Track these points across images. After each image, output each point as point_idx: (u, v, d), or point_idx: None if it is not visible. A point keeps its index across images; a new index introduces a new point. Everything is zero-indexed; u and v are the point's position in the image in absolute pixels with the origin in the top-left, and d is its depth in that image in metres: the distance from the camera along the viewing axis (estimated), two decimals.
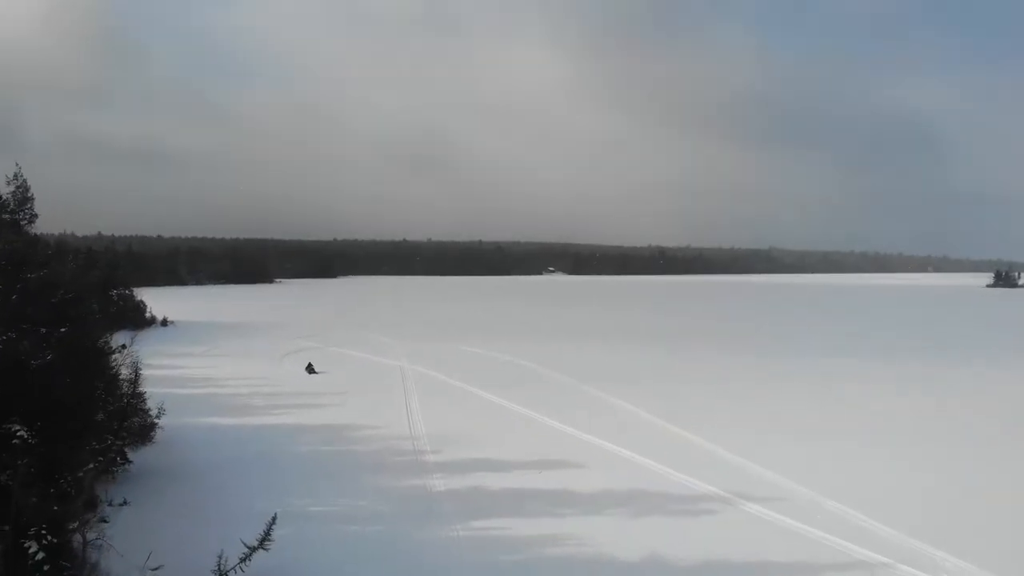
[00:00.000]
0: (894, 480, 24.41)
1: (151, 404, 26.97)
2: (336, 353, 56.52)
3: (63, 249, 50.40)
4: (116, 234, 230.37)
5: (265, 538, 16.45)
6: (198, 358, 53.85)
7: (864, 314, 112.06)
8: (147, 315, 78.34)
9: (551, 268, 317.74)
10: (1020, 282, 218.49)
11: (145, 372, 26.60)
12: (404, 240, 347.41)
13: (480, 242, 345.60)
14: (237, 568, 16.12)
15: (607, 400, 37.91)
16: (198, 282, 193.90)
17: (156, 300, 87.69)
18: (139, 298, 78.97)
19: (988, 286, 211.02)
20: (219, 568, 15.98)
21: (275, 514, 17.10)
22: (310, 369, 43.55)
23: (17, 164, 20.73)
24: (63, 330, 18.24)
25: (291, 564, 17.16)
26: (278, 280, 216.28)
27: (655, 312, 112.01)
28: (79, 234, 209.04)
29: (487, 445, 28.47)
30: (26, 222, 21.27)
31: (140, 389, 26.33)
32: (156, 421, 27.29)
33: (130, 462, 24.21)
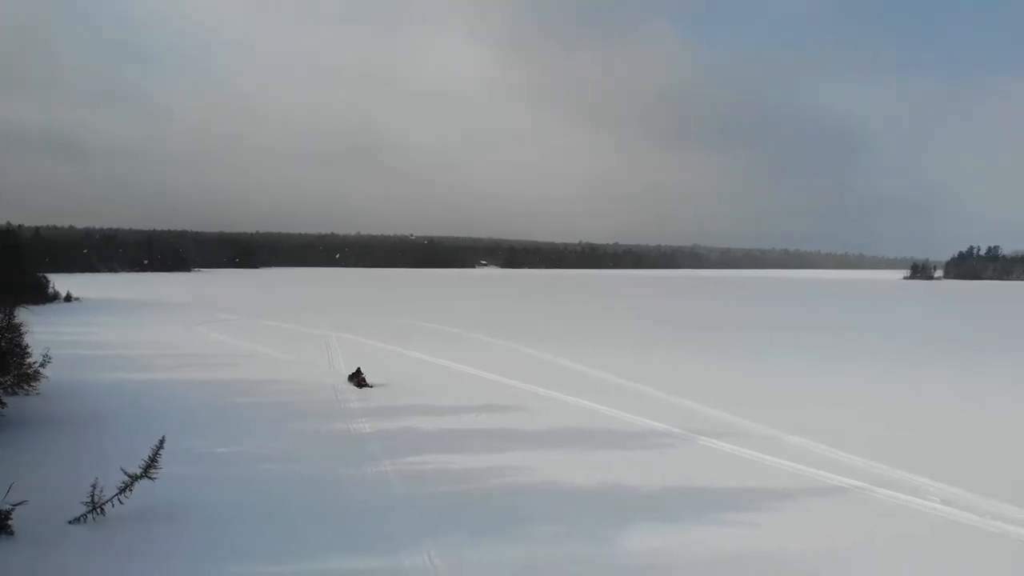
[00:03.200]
0: (851, 416, 23.51)
1: (39, 358, 24.37)
2: (256, 323, 53.10)
3: None
4: (25, 224, 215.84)
5: (150, 465, 13.85)
6: (105, 327, 49.56)
7: (782, 298, 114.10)
8: (49, 291, 72.10)
9: (484, 262, 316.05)
10: (936, 275, 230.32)
11: (42, 336, 23.47)
12: (331, 233, 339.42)
13: (411, 236, 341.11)
14: (116, 500, 13.46)
15: (542, 356, 36.49)
16: (112, 270, 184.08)
17: (64, 283, 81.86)
18: (43, 277, 73.15)
19: (905, 278, 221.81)
20: (92, 500, 13.27)
21: (163, 438, 14.51)
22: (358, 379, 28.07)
23: None
24: None
25: (194, 499, 14.72)
26: (197, 269, 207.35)
27: (587, 296, 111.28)
28: None
29: (416, 393, 26.48)
30: None
31: (23, 342, 23.76)
32: (40, 370, 24.26)
33: (3, 404, 20.91)
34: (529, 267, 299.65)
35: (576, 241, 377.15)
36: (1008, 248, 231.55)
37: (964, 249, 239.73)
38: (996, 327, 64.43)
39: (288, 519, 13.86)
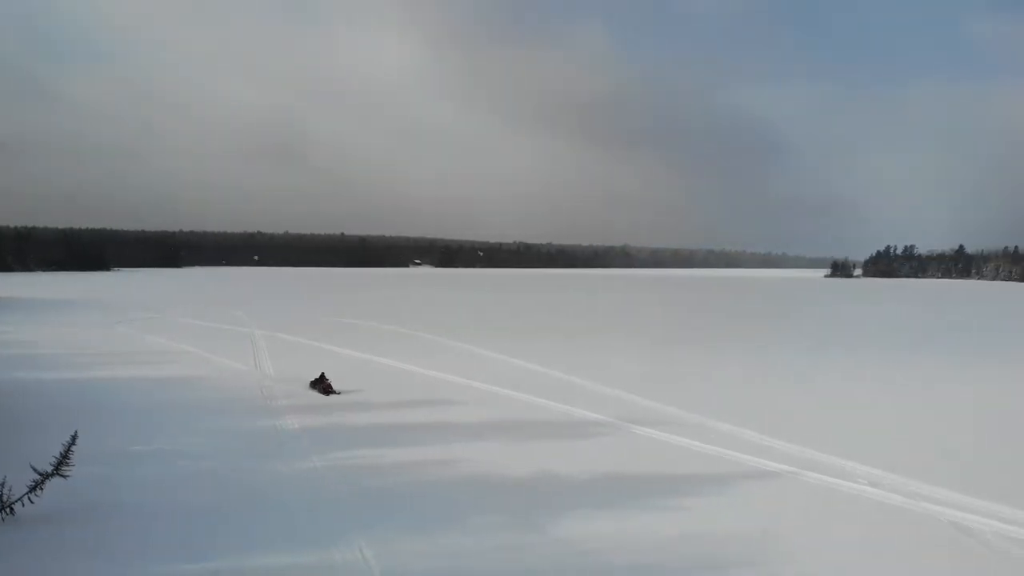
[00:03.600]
0: (782, 404, 24.05)
1: None
2: (178, 322, 51.18)
3: None
4: None
5: (62, 462, 13.02)
6: (16, 325, 47.04)
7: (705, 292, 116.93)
8: None
9: (417, 261, 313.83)
10: (855, 273, 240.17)
11: None
12: (258, 232, 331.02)
13: (342, 234, 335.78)
14: (26, 499, 12.65)
15: (471, 350, 36.27)
16: (26, 268, 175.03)
17: None
18: None
19: (826, 276, 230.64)
20: (0, 499, 12.44)
21: (75, 433, 13.69)
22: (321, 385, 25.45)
23: None
24: None
25: (112, 498, 14.00)
26: (117, 269, 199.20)
27: (522, 291, 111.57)
28: None
29: (346, 389, 25.62)
30: None
31: None
32: None
33: None
34: (463, 266, 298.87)
35: (511, 241, 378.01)
36: (923, 247, 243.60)
37: (881, 248, 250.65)
38: (911, 321, 67.31)
39: (212, 516, 13.23)
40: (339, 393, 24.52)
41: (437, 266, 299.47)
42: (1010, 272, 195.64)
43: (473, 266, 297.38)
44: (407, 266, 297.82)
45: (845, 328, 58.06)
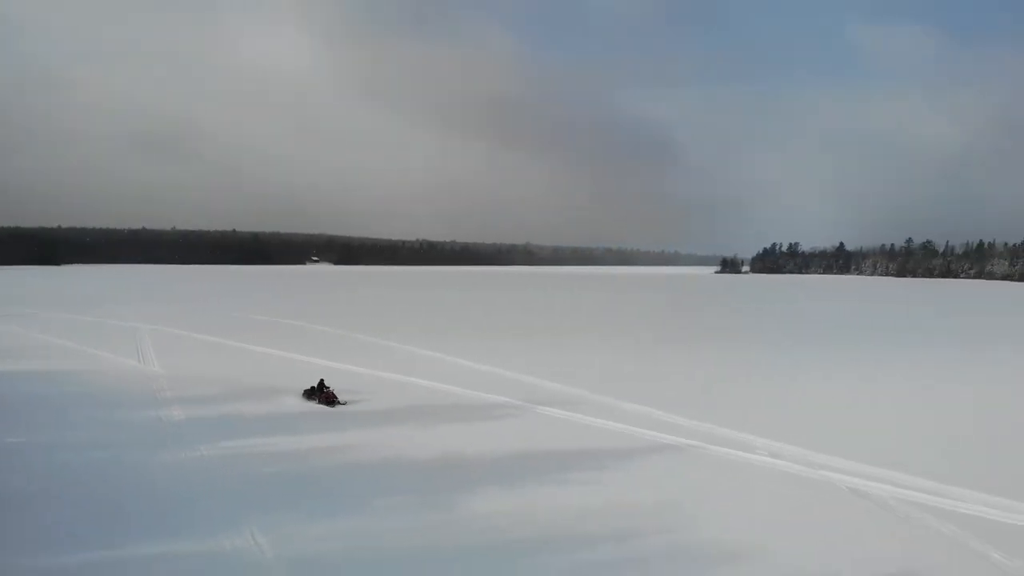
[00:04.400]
0: (680, 383, 24.54)
1: None
2: (59, 318, 47.61)
3: None
4: None
5: None
6: None
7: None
8: None
9: (315, 257, 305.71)
10: (743, 269, 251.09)
11: None
12: (143, 228, 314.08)
13: (234, 231, 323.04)
14: None
15: (376, 342, 35.34)
16: None
17: None
18: None
19: (716, 272, 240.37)
20: None
21: None
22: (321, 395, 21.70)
23: None
24: None
25: None
26: None
27: (422, 288, 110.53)
28: None
29: (237, 381, 24.43)
30: None
31: None
32: None
33: None
34: (365, 264, 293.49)
35: (414, 239, 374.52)
36: (806, 245, 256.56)
37: (768, 246, 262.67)
38: (801, 310, 70.72)
39: (99, 506, 12.24)
40: (345, 403, 20.76)
41: (336, 263, 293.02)
42: (887, 268, 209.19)
43: (375, 263, 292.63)
44: (303, 263, 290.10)
45: (743, 317, 60.37)
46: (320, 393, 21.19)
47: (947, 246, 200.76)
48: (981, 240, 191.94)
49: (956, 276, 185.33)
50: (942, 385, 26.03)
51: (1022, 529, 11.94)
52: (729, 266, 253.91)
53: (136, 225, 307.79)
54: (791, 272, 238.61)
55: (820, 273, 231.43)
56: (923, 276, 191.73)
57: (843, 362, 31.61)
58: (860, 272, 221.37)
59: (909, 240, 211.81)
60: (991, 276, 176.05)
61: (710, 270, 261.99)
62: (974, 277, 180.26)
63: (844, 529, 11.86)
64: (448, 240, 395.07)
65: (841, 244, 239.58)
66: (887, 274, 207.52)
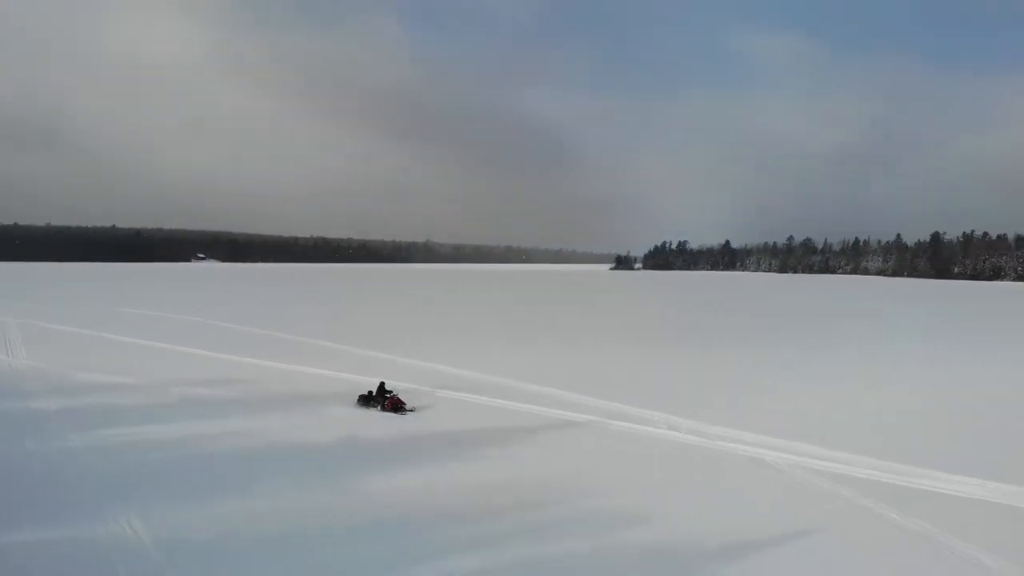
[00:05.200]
0: (575, 363, 24.69)
1: None
2: None
3: None
4: None
5: None
6: None
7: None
8: None
9: (201, 255, 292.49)
10: (636, 266, 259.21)
11: None
12: (15, 224, 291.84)
13: (113, 227, 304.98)
14: None
15: (256, 332, 33.89)
16: None
17: None
18: None
19: (611, 269, 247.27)
20: None
21: None
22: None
23: None
24: None
25: None
26: None
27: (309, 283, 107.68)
28: None
29: (110, 372, 22.81)
30: None
31: None
32: None
33: None
34: (255, 260, 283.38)
35: (308, 235, 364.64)
36: (694, 242, 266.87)
37: (659, 243, 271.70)
38: (694, 302, 73.23)
39: None
40: (414, 410, 17.97)
41: (224, 260, 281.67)
42: (770, 264, 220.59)
43: (266, 260, 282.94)
44: (188, 260, 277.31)
45: (641, 304, 61.90)
46: (382, 399, 18.12)
47: (825, 243, 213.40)
48: (857, 238, 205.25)
49: (834, 272, 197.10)
50: (842, 367, 27.25)
51: (922, 492, 12.45)
52: (623, 263, 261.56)
53: (7, 220, 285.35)
54: (680, 269, 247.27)
55: (707, 269, 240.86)
56: (803, 272, 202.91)
57: (743, 345, 32.80)
58: (745, 268, 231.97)
59: (790, 238, 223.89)
60: (866, 272, 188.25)
61: (605, 267, 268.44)
62: (850, 273, 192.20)
63: (741, 494, 12.08)
64: (345, 237, 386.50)
65: (727, 242, 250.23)
66: (770, 270, 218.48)
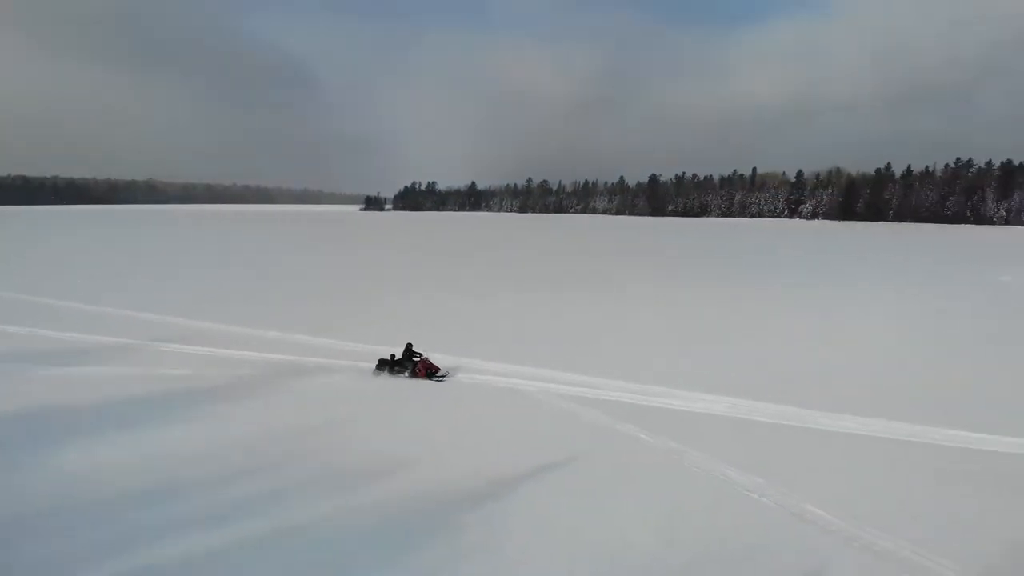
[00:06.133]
0: (328, 313, 23.33)
1: None
2: None
3: None
4: None
5: None
6: None
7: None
8: None
9: None
10: (387, 207, 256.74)
11: None
12: None
13: None
14: None
15: None
16: None
17: None
18: None
19: (361, 210, 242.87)
20: None
21: None
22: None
23: None
24: None
25: None
26: None
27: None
28: None
29: None
30: None
31: None
32: None
33: None
34: None
35: (6, 173, 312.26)
36: (443, 184, 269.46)
37: (408, 184, 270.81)
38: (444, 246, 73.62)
39: None
40: (446, 375, 15.40)
41: None
42: (512, 205, 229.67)
43: None
44: None
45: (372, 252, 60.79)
46: (411, 363, 15.46)
47: (559, 185, 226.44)
48: (587, 180, 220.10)
49: (567, 211, 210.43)
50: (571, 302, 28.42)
51: (670, 411, 13.05)
52: (373, 204, 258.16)
53: None
54: (430, 209, 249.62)
55: (455, 210, 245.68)
56: (541, 212, 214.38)
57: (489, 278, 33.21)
58: (489, 209, 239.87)
59: (529, 180, 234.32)
60: (594, 211, 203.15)
61: (354, 208, 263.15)
62: (581, 212, 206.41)
63: (502, 429, 11.86)
64: (50, 176, 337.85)
65: (473, 183, 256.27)
66: (512, 210, 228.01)
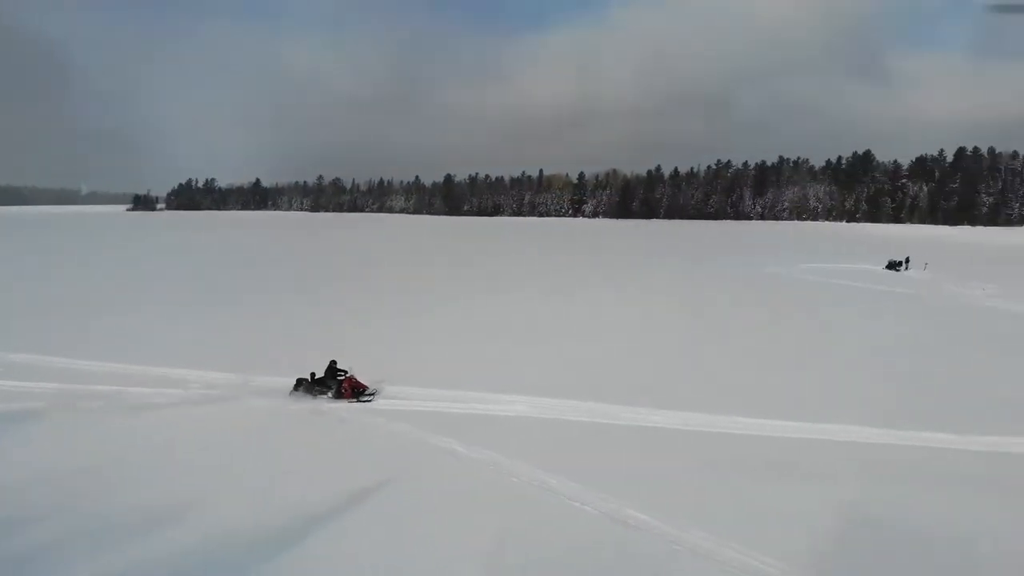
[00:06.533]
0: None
1: None
2: None
3: None
4: None
5: None
6: None
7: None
8: None
9: None
10: (159, 207, 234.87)
11: None
12: None
13: None
14: None
15: None
16: None
17: None
18: None
19: (129, 210, 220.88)
20: None
21: None
22: None
23: None
24: None
25: None
26: None
27: None
28: None
29: None
30: None
31: None
32: None
33: None
34: None
35: None
36: (223, 181, 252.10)
37: (184, 181, 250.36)
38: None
39: None
40: (375, 394, 14.33)
41: None
42: (302, 203, 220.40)
43: None
44: None
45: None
46: (336, 382, 14.32)
47: (354, 183, 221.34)
48: (382, 178, 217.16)
49: (362, 210, 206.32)
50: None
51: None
52: (142, 203, 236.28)
53: None
54: (209, 209, 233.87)
55: (238, 209, 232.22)
56: (335, 211, 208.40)
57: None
58: (278, 208, 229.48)
59: (320, 178, 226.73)
60: (391, 210, 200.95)
61: (120, 208, 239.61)
62: (377, 211, 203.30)
63: (310, 456, 11.30)
64: None
65: (257, 180, 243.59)
66: (303, 209, 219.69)
